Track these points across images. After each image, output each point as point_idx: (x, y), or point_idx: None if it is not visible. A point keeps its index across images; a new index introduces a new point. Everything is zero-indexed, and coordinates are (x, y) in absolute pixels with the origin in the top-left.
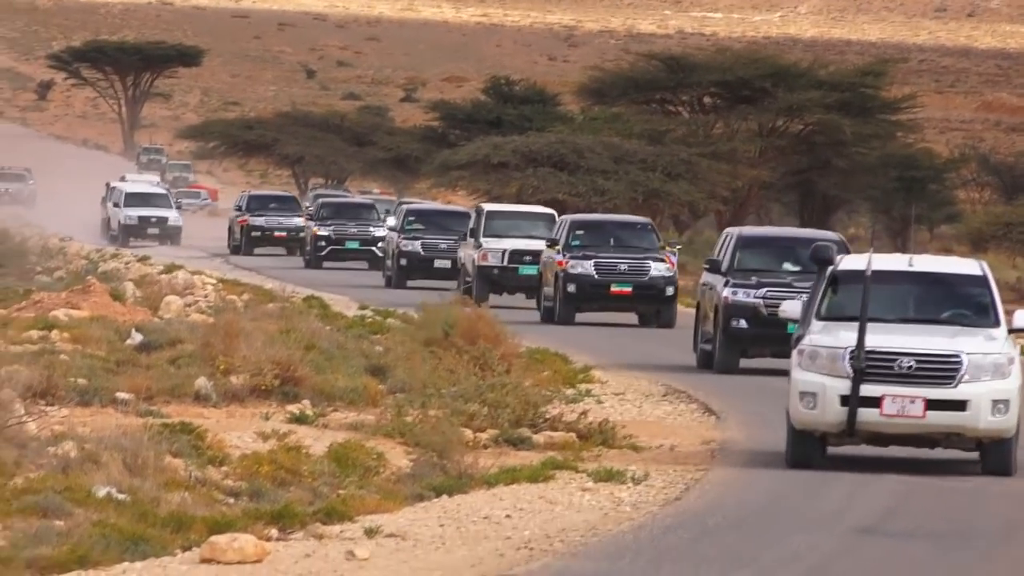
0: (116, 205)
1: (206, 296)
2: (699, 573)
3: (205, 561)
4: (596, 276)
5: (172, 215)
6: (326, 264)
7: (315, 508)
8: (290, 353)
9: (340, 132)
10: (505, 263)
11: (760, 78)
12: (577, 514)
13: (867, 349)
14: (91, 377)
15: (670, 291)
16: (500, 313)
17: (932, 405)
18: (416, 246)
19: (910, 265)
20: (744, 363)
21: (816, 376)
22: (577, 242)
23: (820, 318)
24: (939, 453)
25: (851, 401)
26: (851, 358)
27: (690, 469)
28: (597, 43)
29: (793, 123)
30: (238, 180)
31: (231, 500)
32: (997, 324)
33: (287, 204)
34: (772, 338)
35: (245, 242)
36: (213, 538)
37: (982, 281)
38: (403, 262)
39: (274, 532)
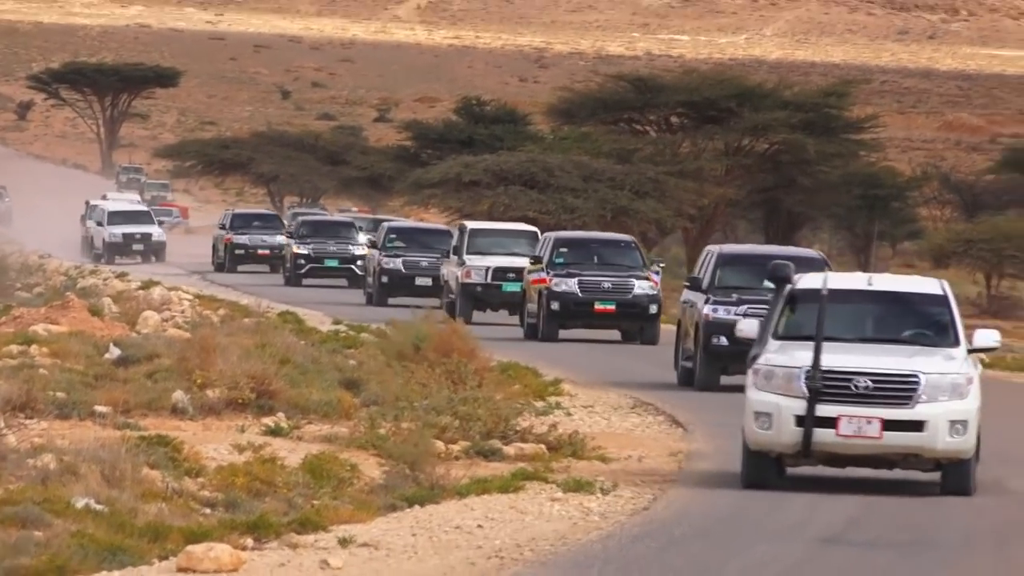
0: (99, 224)
1: (183, 311)
2: None
3: (182, 570)
4: (580, 294)
5: (156, 231)
6: (306, 282)
7: (290, 518)
8: (265, 367)
9: (315, 151)
10: (488, 280)
11: (726, 98)
12: (547, 524)
13: (823, 368)
14: (70, 391)
15: (653, 309)
16: (483, 330)
17: (889, 425)
18: (397, 264)
19: (869, 284)
20: (725, 380)
21: (771, 396)
22: (561, 260)
23: (777, 337)
24: (898, 474)
25: (806, 421)
26: (807, 378)
27: (657, 480)
28: (567, 64)
29: (758, 142)
30: (214, 198)
31: (207, 510)
32: (957, 344)
33: (270, 222)
34: None
35: (229, 260)
36: (189, 548)
37: (942, 300)
38: (384, 280)
39: (249, 542)
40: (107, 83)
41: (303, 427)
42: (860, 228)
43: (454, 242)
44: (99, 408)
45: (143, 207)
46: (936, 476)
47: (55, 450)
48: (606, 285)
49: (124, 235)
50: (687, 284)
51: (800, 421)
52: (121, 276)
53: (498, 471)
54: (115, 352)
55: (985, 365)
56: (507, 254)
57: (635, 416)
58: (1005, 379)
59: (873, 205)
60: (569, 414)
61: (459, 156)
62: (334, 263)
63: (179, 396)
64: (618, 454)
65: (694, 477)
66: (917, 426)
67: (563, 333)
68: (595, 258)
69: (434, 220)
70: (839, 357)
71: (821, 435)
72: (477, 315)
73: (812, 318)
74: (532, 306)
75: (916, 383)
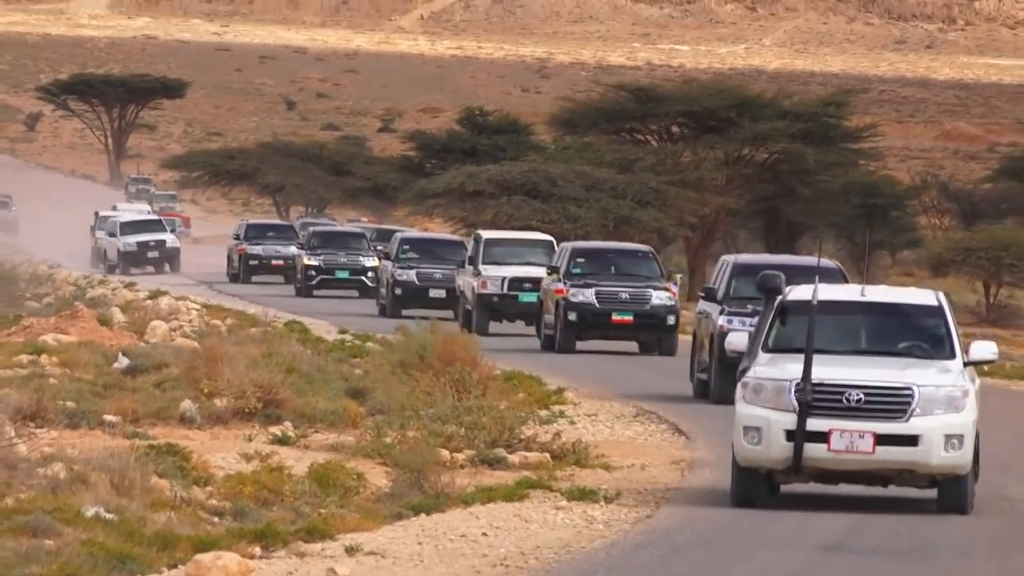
0: (112, 235)
1: (191, 321)
2: None
3: None
4: (597, 304)
5: (170, 238)
6: (316, 293)
7: (297, 527)
8: (272, 376)
9: (320, 162)
10: (505, 290)
11: (726, 108)
12: (551, 532)
13: (813, 381)
14: (79, 400)
15: (671, 320)
16: (500, 341)
17: (882, 440)
18: (411, 275)
19: (862, 295)
20: None
21: (761, 410)
22: (578, 270)
23: (767, 350)
24: (893, 491)
25: (797, 436)
26: (797, 391)
27: (660, 488)
28: (568, 75)
29: (758, 152)
30: (221, 208)
31: (215, 519)
32: (952, 356)
33: (284, 233)
34: None
35: (243, 270)
36: (198, 556)
37: (937, 311)
38: (398, 291)
39: (257, 550)
40: (115, 94)
41: (310, 436)
42: (859, 237)
43: (469, 252)
44: (108, 417)
45: (154, 216)
46: (932, 493)
47: (65, 459)
48: (624, 296)
49: (139, 244)
50: (702, 295)
51: (790, 436)
52: (130, 286)
53: (503, 480)
54: (124, 362)
55: (983, 373)
56: (523, 264)
57: (638, 425)
58: (1004, 387)
59: (872, 214)
60: (573, 423)
61: (463, 166)
62: (345, 274)
63: (187, 405)
64: (621, 462)
65: (697, 485)
66: (911, 441)
67: (580, 344)
68: (612, 268)
69: (438, 230)
70: (830, 370)
71: (812, 450)
72: (493, 326)
73: (803, 330)
74: (549, 317)
75: (910, 396)
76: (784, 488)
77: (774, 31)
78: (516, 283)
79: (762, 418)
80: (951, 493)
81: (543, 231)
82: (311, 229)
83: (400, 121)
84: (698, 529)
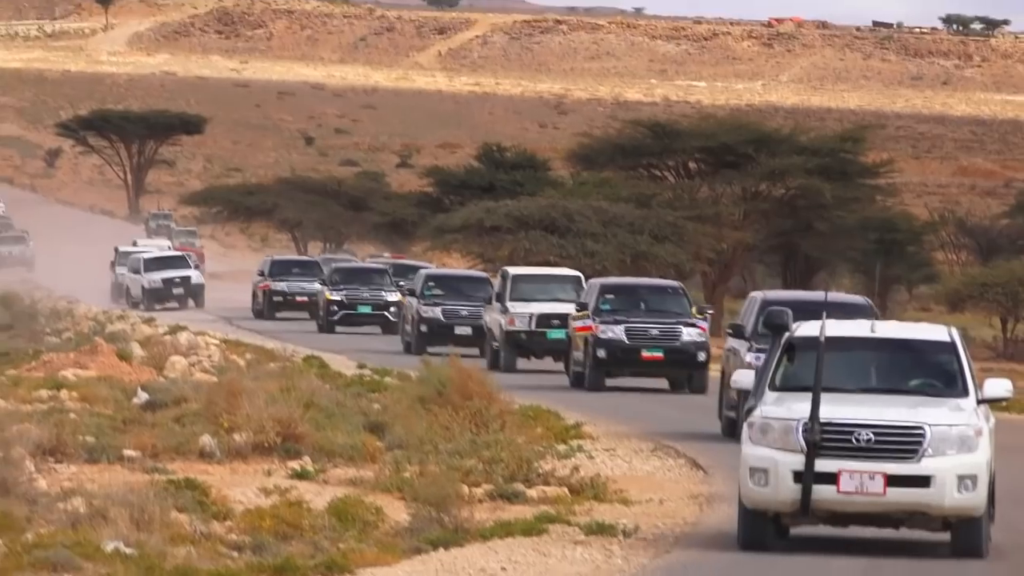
0: (136, 271)
1: (210, 356)
2: None
3: None
4: (627, 341)
5: (194, 274)
6: (339, 329)
7: (316, 561)
8: (291, 411)
9: (338, 197)
10: (533, 327)
11: (743, 144)
12: (570, 566)
13: (822, 421)
14: (99, 435)
15: (702, 356)
16: (529, 378)
17: (893, 481)
18: (437, 312)
19: (872, 331)
20: None
21: (767, 451)
22: (607, 306)
23: (774, 388)
24: (906, 533)
25: (805, 478)
26: (804, 431)
27: (678, 522)
28: (586, 111)
29: (775, 187)
30: (239, 244)
31: (235, 554)
32: (966, 394)
33: (309, 269)
34: None
35: (267, 307)
36: None
37: (950, 348)
38: (423, 328)
39: None
40: (134, 130)
41: (328, 470)
42: (877, 272)
43: (496, 288)
44: (128, 452)
45: (177, 252)
46: (946, 536)
47: (85, 494)
48: (654, 332)
49: (164, 280)
50: (730, 331)
51: (798, 477)
52: (149, 321)
53: (521, 514)
54: (143, 396)
55: (1001, 408)
56: (551, 300)
57: (656, 459)
58: (1020, 423)
59: (889, 249)
60: (591, 457)
61: (480, 201)
62: (367, 309)
63: (206, 440)
64: (639, 497)
65: (715, 520)
66: (923, 482)
67: (610, 381)
68: (642, 304)
69: (456, 265)
70: (839, 408)
71: (821, 492)
72: (522, 363)
73: (811, 367)
74: (578, 354)
75: (921, 435)
76: (794, 530)
77: (791, 67)
78: (544, 320)
79: (769, 459)
80: (965, 536)
81: (560, 266)
82: (333, 265)
83: (418, 157)
84: (718, 564)
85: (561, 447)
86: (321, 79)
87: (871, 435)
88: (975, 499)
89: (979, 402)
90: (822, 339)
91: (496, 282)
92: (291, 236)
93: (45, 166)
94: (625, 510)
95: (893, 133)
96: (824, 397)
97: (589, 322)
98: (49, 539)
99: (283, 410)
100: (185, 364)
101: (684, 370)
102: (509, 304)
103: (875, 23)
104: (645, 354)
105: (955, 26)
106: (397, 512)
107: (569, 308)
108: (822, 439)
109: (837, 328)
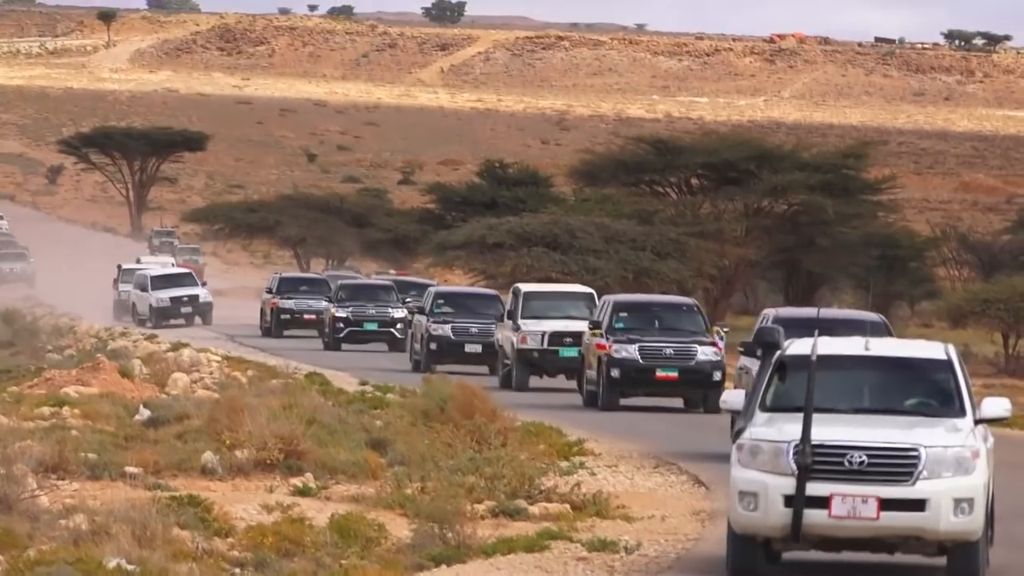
0: (143, 289)
1: (212, 373)
2: None
3: None
4: (641, 360)
5: (202, 292)
6: (345, 346)
7: None
8: (293, 428)
9: (340, 214)
10: (545, 345)
11: (745, 160)
12: None
13: (813, 443)
14: (101, 452)
15: (717, 376)
16: (541, 396)
17: (887, 505)
18: (446, 330)
19: (866, 349)
20: None
21: (757, 474)
22: (621, 324)
23: (765, 409)
24: (900, 558)
25: (796, 502)
26: (795, 453)
27: (681, 539)
28: (588, 127)
29: (778, 203)
30: (242, 261)
31: (237, 570)
32: (963, 414)
33: (317, 287)
34: None
35: (275, 324)
36: None
37: (946, 366)
38: (433, 346)
39: None
40: (136, 147)
41: (331, 487)
42: (878, 288)
43: (508, 306)
44: (130, 469)
45: (184, 270)
46: (942, 561)
47: (87, 511)
48: (668, 351)
49: (172, 299)
50: (741, 349)
51: (789, 501)
52: (151, 338)
53: (523, 530)
54: (145, 413)
55: (1002, 425)
56: (564, 318)
57: (658, 476)
58: (1022, 439)
59: (892, 265)
60: (593, 473)
61: (483, 218)
62: (373, 326)
63: (208, 457)
64: (641, 513)
65: (717, 536)
66: (918, 505)
67: (623, 401)
68: (656, 323)
69: (458, 281)
70: (831, 430)
71: (812, 516)
72: (534, 381)
73: (802, 387)
74: (591, 373)
75: (916, 458)
76: (785, 556)
77: (793, 83)
78: (557, 338)
79: (759, 482)
80: (961, 561)
81: (562, 283)
82: (339, 282)
83: (420, 173)
84: None
85: (563, 464)
86: (323, 96)
87: (864, 457)
88: (972, 523)
89: (977, 422)
90: (813, 357)
91: (508, 299)
92: (293, 253)
93: (47, 183)
94: (627, 526)
95: (895, 149)
96: (816, 418)
97: (602, 340)
98: (51, 556)
99: (285, 427)
100: (187, 381)
101: (699, 390)
102: (521, 322)
103: (877, 39)
104: (659, 374)
105: (957, 42)
106: (399, 529)
107: (581, 326)
108: (813, 462)
109: (829, 346)
